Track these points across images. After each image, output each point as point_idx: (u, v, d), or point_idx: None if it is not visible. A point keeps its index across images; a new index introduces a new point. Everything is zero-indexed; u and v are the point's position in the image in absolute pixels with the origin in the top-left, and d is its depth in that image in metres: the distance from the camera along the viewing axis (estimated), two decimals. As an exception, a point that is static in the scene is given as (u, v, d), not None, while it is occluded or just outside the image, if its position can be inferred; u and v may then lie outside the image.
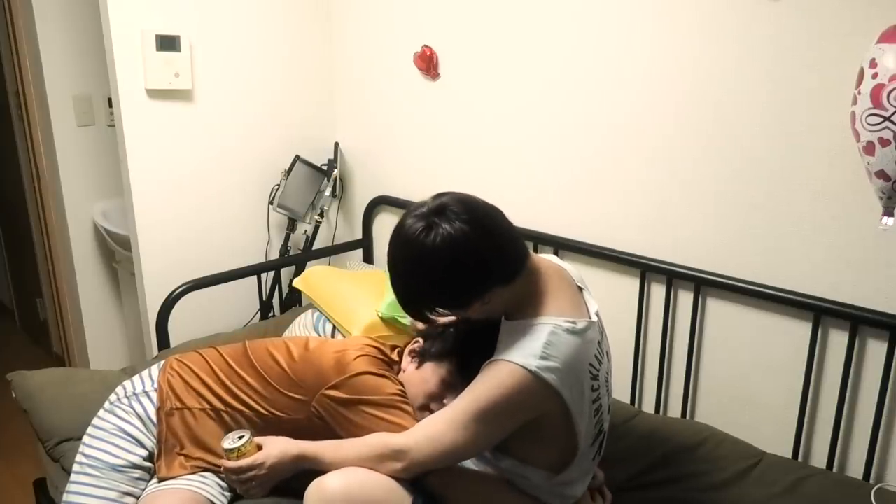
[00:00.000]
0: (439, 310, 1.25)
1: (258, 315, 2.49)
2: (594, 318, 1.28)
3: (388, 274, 1.28)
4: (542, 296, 1.25)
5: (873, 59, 1.28)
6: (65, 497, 1.40)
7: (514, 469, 1.29)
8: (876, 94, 1.26)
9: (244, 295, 2.47)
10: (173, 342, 2.16)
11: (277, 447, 1.32)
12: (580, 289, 1.34)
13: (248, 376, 1.46)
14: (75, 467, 1.43)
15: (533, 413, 1.20)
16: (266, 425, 1.42)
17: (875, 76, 1.27)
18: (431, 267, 1.19)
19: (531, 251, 1.31)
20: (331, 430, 1.40)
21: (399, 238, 1.23)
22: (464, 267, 1.18)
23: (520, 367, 1.16)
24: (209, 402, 1.46)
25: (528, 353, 1.17)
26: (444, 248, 1.17)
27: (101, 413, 1.49)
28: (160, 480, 1.43)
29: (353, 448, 1.28)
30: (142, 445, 1.45)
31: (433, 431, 1.22)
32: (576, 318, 1.22)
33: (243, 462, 1.31)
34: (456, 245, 1.17)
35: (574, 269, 1.40)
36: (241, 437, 1.32)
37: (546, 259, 1.38)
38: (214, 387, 1.47)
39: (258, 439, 1.35)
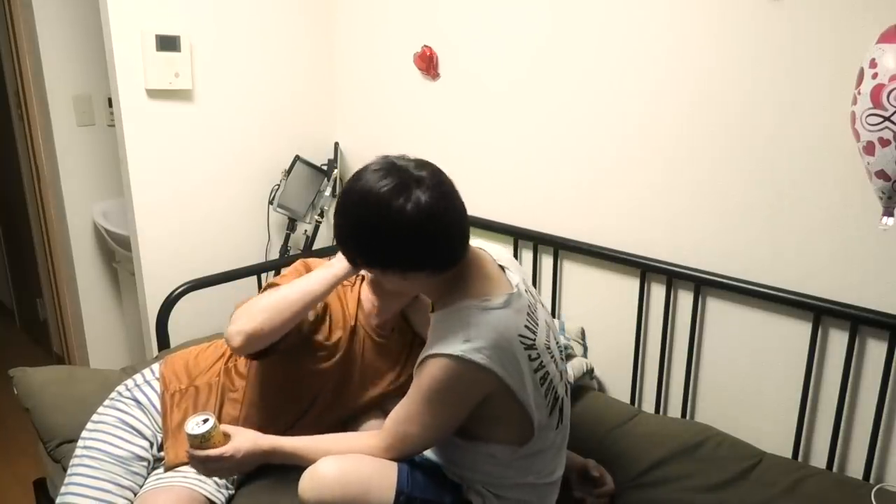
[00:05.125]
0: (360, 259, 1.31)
1: (258, 315, 2.48)
2: (515, 290, 1.28)
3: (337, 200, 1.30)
4: (463, 280, 1.27)
5: (873, 59, 1.28)
6: (63, 488, 1.40)
7: (480, 449, 1.31)
8: (876, 94, 1.26)
9: (244, 295, 2.46)
10: (173, 342, 2.15)
11: (248, 438, 1.31)
12: (502, 268, 1.34)
13: None
14: (74, 460, 1.43)
15: (477, 395, 1.23)
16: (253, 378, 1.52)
17: (875, 76, 1.27)
18: (384, 224, 1.19)
19: None
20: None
21: (362, 183, 1.23)
22: (412, 241, 1.19)
23: (447, 356, 1.19)
24: (214, 374, 1.53)
25: (453, 340, 1.20)
26: (415, 215, 1.17)
27: (100, 409, 1.50)
28: (166, 469, 1.44)
29: (335, 449, 1.31)
30: (143, 436, 1.46)
31: (401, 432, 1.27)
32: (493, 296, 1.24)
33: (212, 452, 1.26)
34: (421, 218, 1.17)
35: (500, 249, 1.41)
36: (205, 421, 1.25)
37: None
38: (212, 354, 1.58)
39: (224, 427, 1.31)
